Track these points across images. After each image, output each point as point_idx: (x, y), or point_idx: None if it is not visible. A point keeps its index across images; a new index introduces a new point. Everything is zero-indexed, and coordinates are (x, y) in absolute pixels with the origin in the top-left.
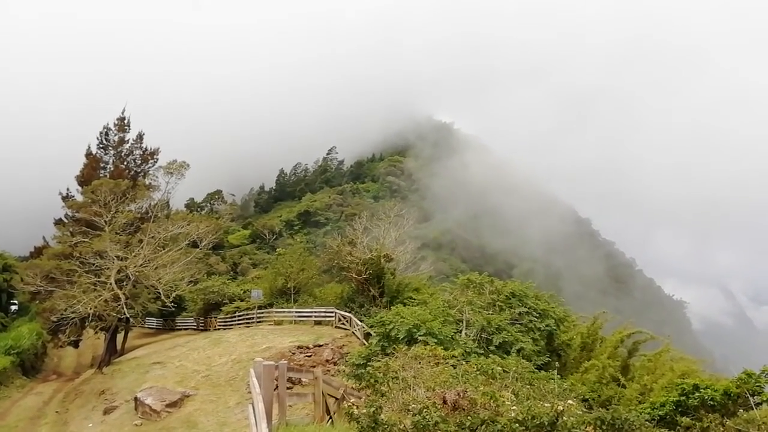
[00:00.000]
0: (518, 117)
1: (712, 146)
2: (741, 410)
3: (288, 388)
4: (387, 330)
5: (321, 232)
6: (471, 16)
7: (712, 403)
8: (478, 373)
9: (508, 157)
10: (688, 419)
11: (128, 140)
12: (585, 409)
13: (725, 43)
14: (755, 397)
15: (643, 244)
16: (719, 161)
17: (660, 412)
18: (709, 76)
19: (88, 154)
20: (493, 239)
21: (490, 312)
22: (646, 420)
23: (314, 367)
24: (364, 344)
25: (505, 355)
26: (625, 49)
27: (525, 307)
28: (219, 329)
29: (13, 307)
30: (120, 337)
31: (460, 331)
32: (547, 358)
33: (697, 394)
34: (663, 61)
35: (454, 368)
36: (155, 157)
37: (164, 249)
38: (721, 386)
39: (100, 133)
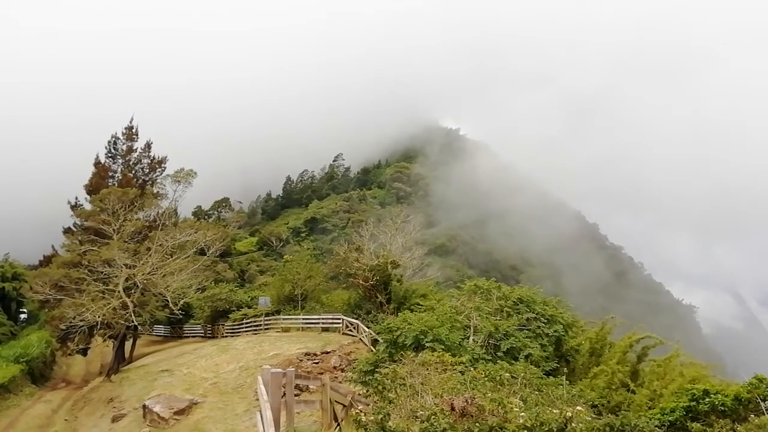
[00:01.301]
0: (524, 120)
1: (720, 147)
2: (752, 415)
3: (295, 395)
4: (394, 336)
5: (328, 239)
6: (475, 21)
7: (722, 408)
8: (486, 379)
9: (514, 162)
10: (698, 425)
11: (136, 149)
12: (594, 416)
13: (731, 40)
14: (766, 402)
15: (651, 246)
16: (728, 163)
17: (670, 418)
18: (717, 75)
19: (97, 163)
20: (500, 245)
21: (498, 318)
22: (656, 426)
23: (322, 374)
24: (372, 351)
25: (513, 361)
26: (630, 49)
27: (533, 312)
28: (226, 336)
29: (23, 316)
30: (128, 344)
31: (468, 338)
32: (555, 364)
33: (707, 399)
34: (669, 61)
35: (462, 375)
36: (163, 165)
37: (172, 257)
38: (732, 391)
39: (109, 142)
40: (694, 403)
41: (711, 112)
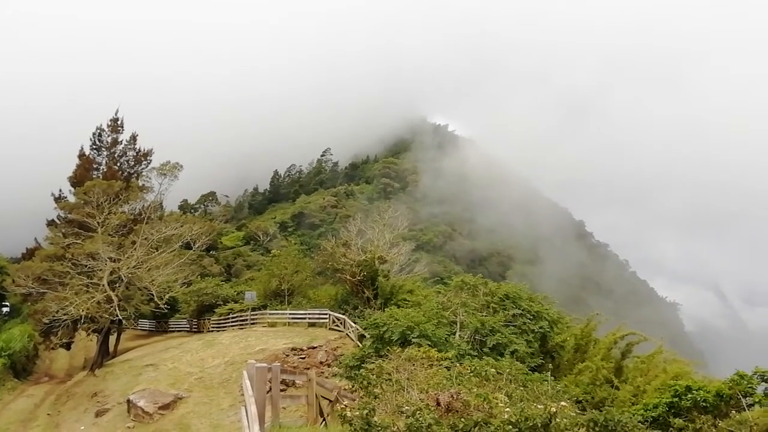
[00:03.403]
0: (517, 118)
1: (707, 145)
2: (733, 411)
3: (281, 390)
4: (381, 332)
5: (315, 234)
6: (470, 18)
7: (704, 404)
8: (471, 374)
9: (503, 159)
10: (680, 420)
11: (121, 141)
12: (578, 411)
13: (722, 40)
14: (747, 398)
15: (637, 243)
16: (715, 161)
17: (653, 414)
18: (706, 75)
19: (81, 155)
20: (487, 241)
21: (484, 314)
22: (639, 421)
23: (308, 369)
24: (358, 346)
25: (498, 357)
26: (624, 50)
27: (519, 309)
28: (212, 331)
29: (5, 309)
30: (112, 339)
31: (454, 333)
32: (540, 360)
33: (689, 395)
34: (660, 61)
35: (448, 370)
36: (148, 158)
37: (157, 250)
38: (714, 388)
39: (93, 134)
40: (676, 399)
41: (701, 112)
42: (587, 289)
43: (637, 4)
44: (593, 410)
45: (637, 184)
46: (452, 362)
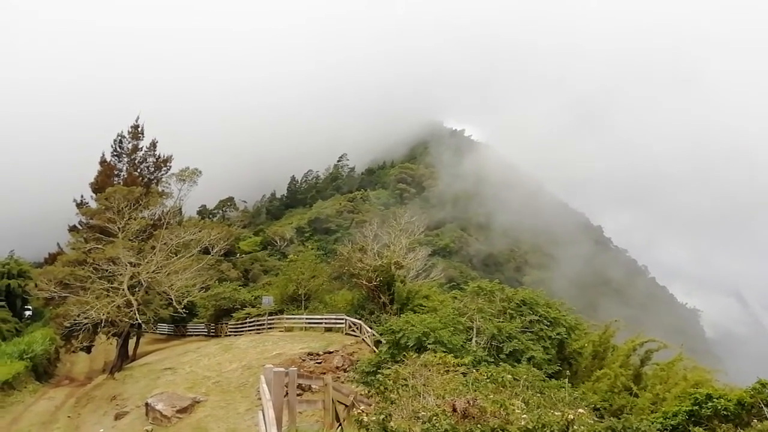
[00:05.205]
0: (529, 123)
1: (725, 148)
2: (755, 420)
3: (298, 395)
4: (397, 337)
5: (332, 239)
6: (480, 22)
7: (725, 413)
8: (488, 381)
9: (519, 164)
10: (701, 429)
11: (142, 148)
12: (596, 419)
13: (732, 41)
14: None
15: (655, 249)
16: (735, 164)
17: (672, 422)
18: (721, 78)
19: (102, 162)
20: (503, 245)
21: (501, 320)
22: (658, 430)
23: (324, 373)
24: (374, 351)
25: (515, 364)
26: (632, 51)
27: (536, 315)
28: (230, 335)
29: (27, 313)
30: (132, 342)
31: (471, 339)
32: (558, 367)
33: (710, 403)
34: (675, 63)
35: (464, 376)
36: (168, 164)
37: (176, 255)
38: (735, 396)
39: (114, 140)
40: (696, 407)
41: (718, 115)
42: (604, 294)
43: (645, 6)
44: (611, 418)
45: (652, 189)
46: (468, 368)
